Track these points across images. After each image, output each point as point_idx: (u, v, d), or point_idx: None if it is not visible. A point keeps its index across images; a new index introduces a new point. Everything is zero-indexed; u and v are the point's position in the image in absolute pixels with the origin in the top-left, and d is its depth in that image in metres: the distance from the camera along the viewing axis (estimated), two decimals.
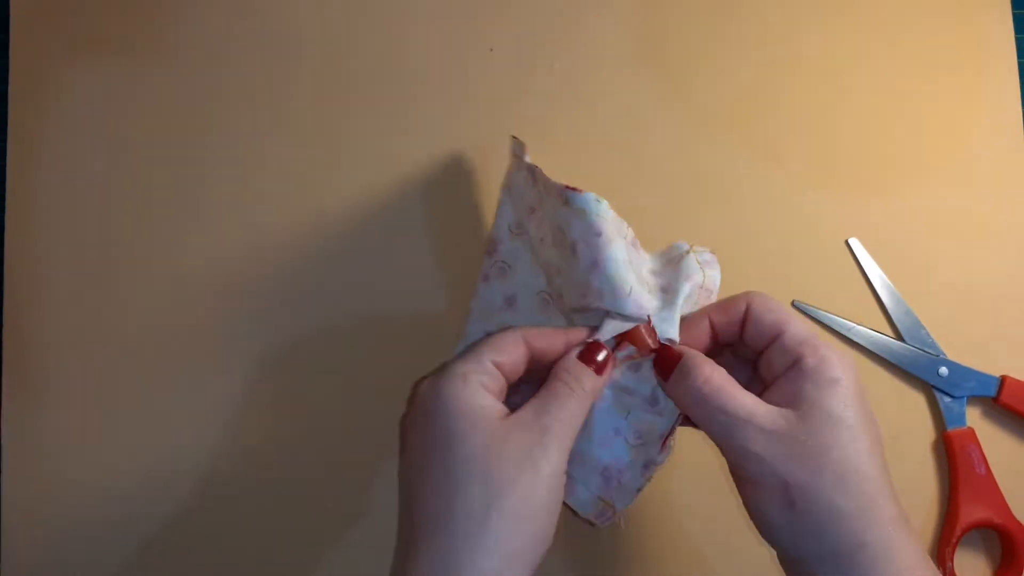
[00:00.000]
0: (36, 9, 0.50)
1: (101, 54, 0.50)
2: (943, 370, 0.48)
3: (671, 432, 0.40)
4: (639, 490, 0.40)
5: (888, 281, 0.49)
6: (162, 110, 0.50)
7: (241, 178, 0.49)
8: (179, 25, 0.50)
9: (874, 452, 0.33)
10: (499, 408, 0.35)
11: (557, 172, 0.49)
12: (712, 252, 0.43)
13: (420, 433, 0.35)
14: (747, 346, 0.38)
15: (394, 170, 0.49)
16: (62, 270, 0.48)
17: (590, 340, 0.38)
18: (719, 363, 0.37)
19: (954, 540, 0.46)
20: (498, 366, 0.36)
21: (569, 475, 0.36)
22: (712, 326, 0.38)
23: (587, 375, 0.36)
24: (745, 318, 0.37)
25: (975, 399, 0.49)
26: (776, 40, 0.51)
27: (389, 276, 0.49)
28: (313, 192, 0.49)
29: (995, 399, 0.48)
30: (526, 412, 0.34)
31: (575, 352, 0.37)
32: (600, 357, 0.37)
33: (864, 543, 0.32)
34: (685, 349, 0.38)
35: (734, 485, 0.37)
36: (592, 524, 0.40)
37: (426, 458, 0.33)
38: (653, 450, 0.40)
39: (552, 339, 0.37)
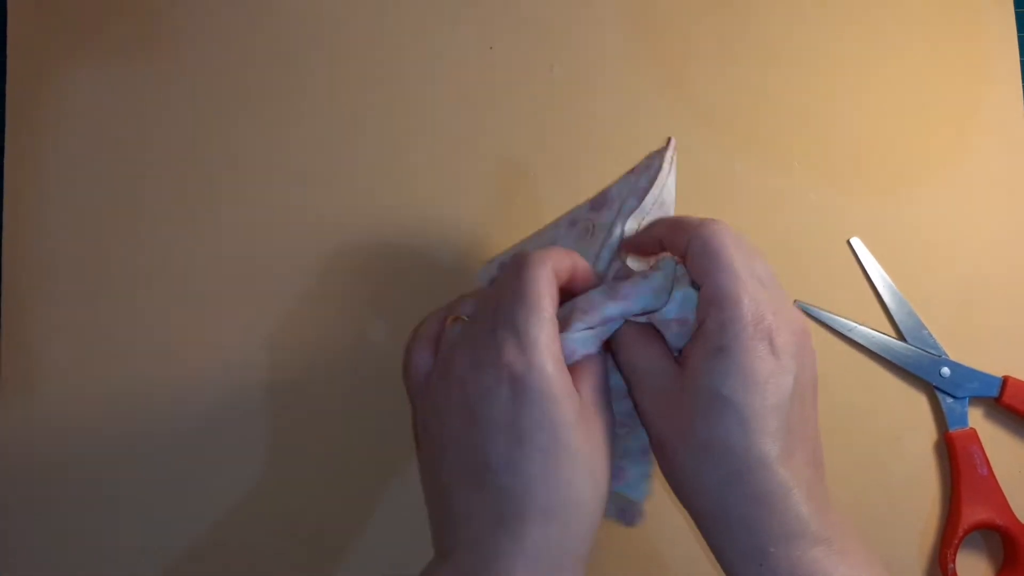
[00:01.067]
0: (35, 9, 0.50)
1: (101, 54, 0.50)
2: (945, 370, 0.48)
3: None
4: (649, 476, 0.38)
5: (890, 281, 0.49)
6: (162, 110, 0.49)
7: (241, 178, 0.49)
8: (179, 25, 0.50)
9: (751, 426, 0.31)
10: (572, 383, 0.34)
11: (556, 172, 0.49)
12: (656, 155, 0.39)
13: (508, 412, 0.32)
14: None
15: (394, 170, 0.49)
16: (62, 270, 0.48)
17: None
18: None
19: (956, 541, 0.46)
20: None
21: None
22: (662, 245, 0.36)
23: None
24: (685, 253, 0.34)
25: (977, 399, 0.48)
26: (776, 40, 0.51)
27: (394, 276, 0.49)
28: (315, 193, 0.49)
29: (997, 400, 0.48)
30: (588, 396, 0.34)
31: None
32: None
33: (725, 513, 0.31)
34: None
35: None
36: (624, 524, 0.39)
37: (523, 443, 0.32)
38: (644, 434, 0.38)
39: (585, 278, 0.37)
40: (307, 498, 0.47)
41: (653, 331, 0.35)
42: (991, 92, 0.51)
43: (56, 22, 0.50)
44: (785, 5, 0.51)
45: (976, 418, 0.48)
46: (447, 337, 0.37)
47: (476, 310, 0.36)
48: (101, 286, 0.48)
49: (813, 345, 0.34)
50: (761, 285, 0.32)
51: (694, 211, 0.49)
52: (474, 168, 0.49)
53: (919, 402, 0.49)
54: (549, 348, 0.33)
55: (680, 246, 0.34)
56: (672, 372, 0.33)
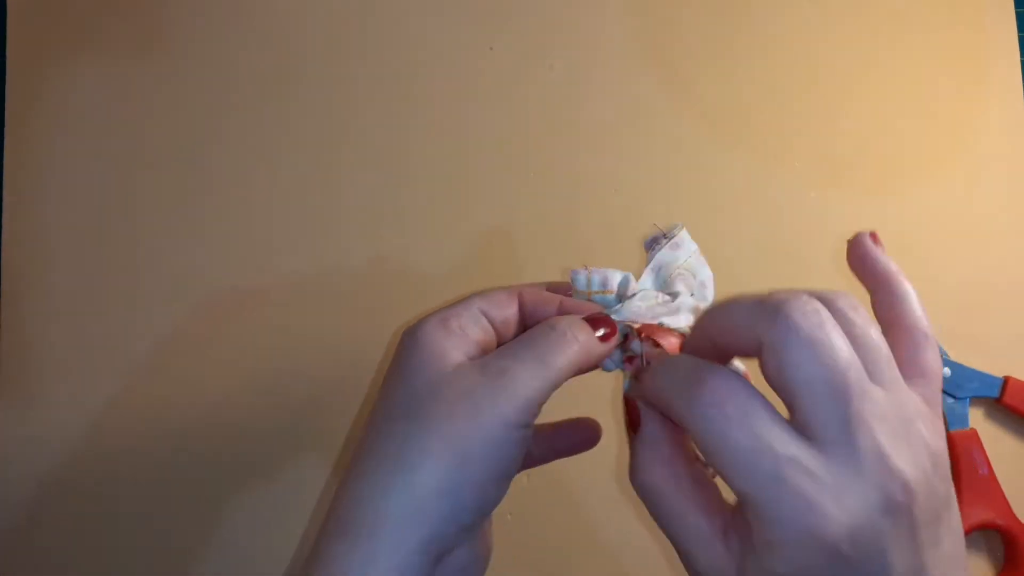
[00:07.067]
0: (35, 8, 0.50)
1: (101, 54, 0.50)
2: (946, 371, 0.48)
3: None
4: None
5: None
6: (161, 110, 0.50)
7: (241, 177, 0.49)
8: (178, 24, 0.50)
9: None
10: (469, 353, 0.29)
11: (556, 171, 0.50)
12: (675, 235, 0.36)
13: (385, 374, 0.30)
14: None
15: (394, 169, 0.49)
16: (61, 270, 0.48)
17: (598, 314, 0.31)
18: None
19: None
20: (487, 315, 0.31)
21: None
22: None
23: (584, 331, 0.30)
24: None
25: (978, 400, 0.48)
26: (777, 39, 0.51)
27: (394, 277, 0.48)
28: (314, 192, 0.49)
29: (998, 400, 0.48)
30: (491, 354, 0.29)
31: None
32: (605, 329, 0.31)
33: None
34: (643, 409, 0.28)
35: None
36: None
37: (377, 399, 0.29)
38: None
39: (549, 300, 0.32)
40: (316, 494, 0.47)
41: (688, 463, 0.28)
42: (991, 92, 0.51)
43: (56, 22, 0.50)
44: (785, 5, 0.51)
45: (977, 418, 0.48)
46: None
47: None
48: (101, 286, 0.48)
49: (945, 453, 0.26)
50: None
51: (693, 210, 0.49)
52: (474, 168, 0.49)
53: None
54: (437, 317, 0.30)
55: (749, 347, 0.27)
56: (727, 557, 0.25)
